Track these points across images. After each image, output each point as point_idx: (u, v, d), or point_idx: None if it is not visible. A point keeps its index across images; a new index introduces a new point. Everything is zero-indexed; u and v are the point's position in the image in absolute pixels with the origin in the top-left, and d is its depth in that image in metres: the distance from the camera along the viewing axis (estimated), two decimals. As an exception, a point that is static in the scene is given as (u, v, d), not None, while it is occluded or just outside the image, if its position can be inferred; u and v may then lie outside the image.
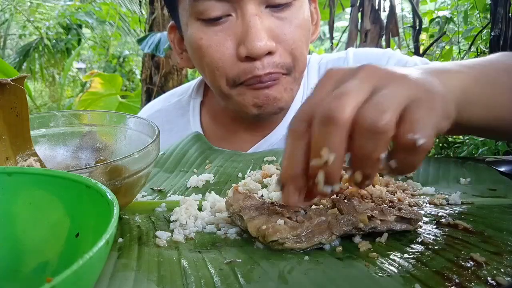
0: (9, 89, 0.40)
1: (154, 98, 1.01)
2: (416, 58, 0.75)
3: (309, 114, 0.33)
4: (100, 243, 0.21)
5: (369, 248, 0.32)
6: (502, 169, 0.50)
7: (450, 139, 2.21)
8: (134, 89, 4.55)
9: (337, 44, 2.65)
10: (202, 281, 0.28)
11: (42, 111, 2.53)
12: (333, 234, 0.33)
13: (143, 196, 0.49)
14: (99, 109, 2.48)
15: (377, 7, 1.96)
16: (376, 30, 1.94)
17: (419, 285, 0.27)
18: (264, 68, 0.62)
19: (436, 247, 0.32)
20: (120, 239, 0.36)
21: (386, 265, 0.29)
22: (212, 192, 0.46)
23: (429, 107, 0.31)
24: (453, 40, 2.43)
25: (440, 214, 0.39)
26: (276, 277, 0.29)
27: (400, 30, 2.13)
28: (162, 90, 2.24)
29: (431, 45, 2.28)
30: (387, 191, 0.41)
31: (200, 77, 0.85)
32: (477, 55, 2.04)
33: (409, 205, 0.40)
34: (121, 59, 5.07)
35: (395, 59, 0.74)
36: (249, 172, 0.55)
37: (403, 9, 2.69)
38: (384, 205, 0.37)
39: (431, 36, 2.49)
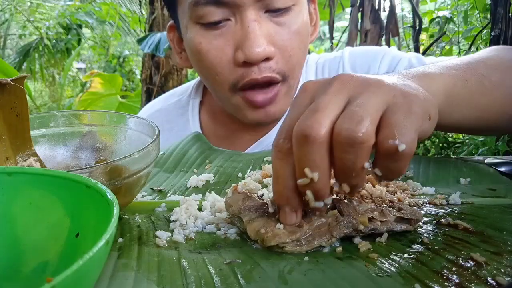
0: (9, 89, 0.40)
1: (154, 98, 1.01)
2: (411, 54, 0.75)
3: (290, 132, 0.32)
4: (100, 243, 0.21)
5: (369, 248, 0.32)
6: (502, 169, 0.50)
7: (450, 139, 2.21)
8: (134, 89, 4.55)
9: (337, 44, 2.65)
10: (202, 281, 0.28)
11: (42, 111, 2.53)
12: (333, 236, 0.33)
13: (143, 196, 0.49)
14: (99, 109, 2.48)
15: (377, 7, 1.96)
16: (376, 30, 1.94)
17: (419, 285, 0.27)
18: (261, 72, 0.62)
19: (436, 247, 0.32)
20: (120, 239, 0.36)
21: (386, 265, 0.29)
22: (212, 192, 0.46)
23: (407, 110, 0.31)
24: (453, 40, 2.43)
25: (440, 214, 0.39)
26: (276, 277, 0.29)
27: (400, 30, 2.13)
28: (162, 90, 2.24)
29: (431, 45, 2.28)
30: (387, 191, 0.41)
31: (199, 77, 0.85)
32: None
33: (409, 205, 0.40)
34: (121, 59, 5.07)
35: (390, 56, 0.74)
36: (249, 172, 0.55)
37: (403, 9, 2.69)
38: (384, 205, 0.37)
39: (431, 36, 2.49)
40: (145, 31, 2.65)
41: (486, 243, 0.32)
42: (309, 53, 0.83)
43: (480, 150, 1.79)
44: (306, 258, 0.31)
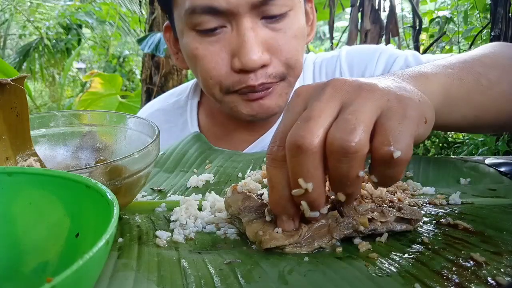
0: (9, 89, 0.40)
1: (154, 98, 1.01)
2: (407, 52, 0.75)
3: (283, 139, 0.32)
4: (100, 243, 0.21)
5: (369, 249, 0.32)
6: (502, 169, 0.50)
7: (450, 139, 2.21)
8: (134, 89, 4.55)
9: (337, 44, 2.65)
10: (202, 281, 0.28)
11: (42, 111, 2.53)
12: (333, 238, 0.33)
13: (143, 196, 0.49)
14: (99, 109, 2.48)
15: (377, 7, 1.96)
16: (376, 30, 1.94)
17: (419, 285, 0.27)
18: (258, 79, 0.62)
19: (436, 247, 0.32)
20: (120, 239, 0.36)
21: (386, 265, 0.29)
22: (212, 192, 0.46)
23: (402, 115, 0.30)
24: (453, 40, 2.43)
25: (440, 214, 0.39)
26: (276, 278, 0.29)
27: (400, 30, 2.13)
28: (162, 90, 2.24)
29: (431, 45, 2.28)
30: (387, 191, 0.41)
31: None
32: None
33: (409, 205, 0.40)
34: (121, 59, 5.07)
35: (386, 55, 0.74)
36: (249, 172, 0.55)
37: (403, 9, 2.69)
38: (384, 205, 0.37)
39: (431, 36, 2.49)
40: (145, 31, 2.65)
41: (486, 243, 0.32)
42: (307, 52, 0.83)
43: (480, 150, 1.79)
44: (306, 259, 0.31)
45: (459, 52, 2.23)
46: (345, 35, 2.19)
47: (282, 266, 0.30)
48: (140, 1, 3.47)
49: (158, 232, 0.37)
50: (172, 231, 0.38)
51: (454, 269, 0.28)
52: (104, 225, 0.23)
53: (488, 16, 1.81)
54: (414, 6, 1.98)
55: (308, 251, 0.33)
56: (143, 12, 3.48)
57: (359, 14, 1.98)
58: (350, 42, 1.99)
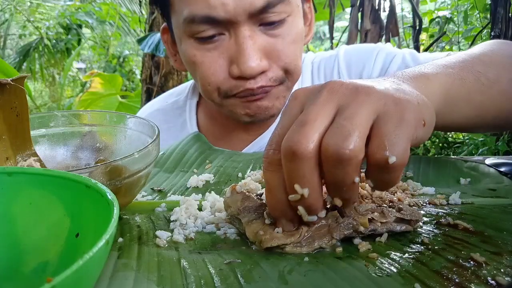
0: (9, 89, 0.40)
1: (154, 98, 1.02)
2: (405, 50, 0.75)
3: (279, 143, 0.31)
4: (100, 243, 0.21)
5: (368, 249, 0.32)
6: (502, 169, 0.50)
7: (450, 139, 2.21)
8: (134, 89, 4.55)
9: (337, 44, 2.65)
10: (202, 281, 0.28)
11: (42, 111, 2.53)
12: (334, 238, 0.33)
13: (143, 196, 0.49)
14: (99, 109, 2.48)
15: (377, 7, 1.96)
16: (376, 30, 1.94)
17: (419, 285, 0.27)
18: (257, 82, 0.63)
19: (436, 247, 0.32)
20: (120, 239, 0.36)
21: (386, 265, 0.29)
22: (212, 192, 0.46)
23: (399, 118, 0.30)
24: (453, 40, 2.44)
25: (440, 214, 0.39)
26: (276, 277, 0.29)
27: (400, 30, 2.13)
28: (162, 90, 2.24)
29: (431, 45, 2.28)
30: (387, 191, 0.41)
31: None
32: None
33: (409, 205, 0.40)
34: (121, 59, 5.07)
35: (384, 53, 0.74)
36: (249, 172, 0.55)
37: (403, 9, 2.69)
38: (384, 205, 0.37)
39: (431, 36, 2.49)
40: (145, 31, 2.65)
41: (486, 243, 0.32)
42: (307, 52, 0.83)
43: (480, 150, 1.80)
44: (306, 259, 0.31)
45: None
46: (345, 35, 2.19)
47: (282, 266, 0.30)
48: (140, 1, 3.47)
49: (158, 232, 0.37)
50: (172, 231, 0.38)
51: (454, 269, 0.28)
52: (104, 225, 0.23)
53: (488, 16, 1.81)
54: (414, 6, 1.98)
55: (308, 251, 0.33)
56: (143, 12, 3.48)
57: (359, 14, 1.98)
58: (350, 42, 1.99)
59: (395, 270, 0.29)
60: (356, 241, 0.34)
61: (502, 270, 0.28)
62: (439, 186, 0.47)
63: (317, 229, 0.33)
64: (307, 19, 0.73)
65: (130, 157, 0.38)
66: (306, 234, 0.33)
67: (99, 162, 0.45)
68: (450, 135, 2.19)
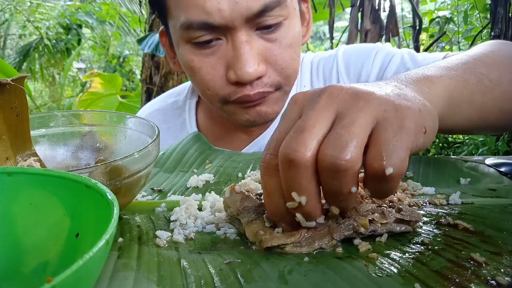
0: (9, 89, 0.40)
1: (154, 98, 1.02)
2: (403, 50, 0.75)
3: (277, 148, 0.31)
4: (100, 243, 0.21)
5: (368, 249, 0.32)
6: (502, 169, 0.50)
7: (450, 139, 2.21)
8: (134, 89, 4.55)
9: (337, 44, 2.65)
10: (202, 281, 0.28)
11: (42, 111, 2.53)
12: (334, 239, 0.33)
13: (143, 196, 0.49)
14: (99, 109, 2.48)
15: (377, 7, 1.96)
16: (376, 30, 1.94)
17: (419, 285, 0.27)
18: (254, 88, 0.63)
19: (436, 247, 0.32)
20: (120, 239, 0.36)
21: (386, 265, 0.29)
22: (212, 192, 0.46)
23: (398, 126, 0.29)
24: (453, 40, 2.44)
25: (440, 214, 0.39)
26: (276, 277, 0.29)
27: (400, 30, 2.13)
28: (162, 90, 2.24)
29: (431, 45, 2.28)
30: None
31: None
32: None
33: (409, 205, 0.40)
34: (121, 59, 5.07)
35: (383, 53, 0.74)
36: (249, 172, 0.55)
37: (403, 9, 2.69)
38: (384, 205, 0.37)
39: (431, 36, 2.49)
40: (145, 31, 2.65)
41: (486, 243, 0.32)
42: (306, 52, 0.83)
43: (480, 150, 1.80)
44: (306, 259, 0.31)
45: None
46: (345, 35, 2.19)
47: (282, 266, 0.30)
48: (140, 1, 3.47)
49: (158, 232, 0.37)
50: (172, 231, 0.38)
51: (454, 269, 0.28)
52: (104, 225, 0.23)
53: (488, 16, 1.82)
54: (414, 6, 1.98)
55: (308, 251, 0.33)
56: (143, 12, 3.48)
57: (359, 14, 1.98)
58: (350, 42, 1.99)
59: (395, 270, 0.29)
60: (356, 241, 0.34)
61: (502, 270, 0.28)
62: (439, 186, 0.47)
63: (317, 230, 0.33)
64: (304, 19, 0.73)
65: (130, 157, 0.38)
66: (306, 234, 0.33)
67: (99, 162, 0.45)
68: (450, 135, 2.19)
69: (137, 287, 0.28)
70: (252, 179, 0.50)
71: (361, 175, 0.33)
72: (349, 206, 0.32)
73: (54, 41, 5.12)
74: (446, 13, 2.36)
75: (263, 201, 0.37)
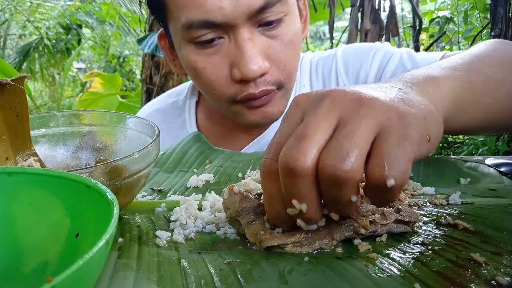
0: (9, 89, 0.40)
1: (154, 98, 1.02)
2: (402, 49, 0.75)
3: (277, 152, 0.31)
4: (100, 243, 0.21)
5: (368, 249, 0.33)
6: (502, 169, 0.50)
7: (450, 139, 2.21)
8: (134, 89, 4.55)
9: (337, 44, 2.65)
10: (202, 281, 0.28)
11: (42, 111, 2.53)
12: (334, 239, 0.33)
13: (143, 196, 0.49)
14: (99, 109, 2.48)
15: (377, 7, 1.96)
16: (376, 30, 1.94)
17: (419, 285, 0.27)
18: (258, 86, 0.63)
19: (436, 247, 0.32)
20: (120, 239, 0.36)
21: (386, 265, 0.29)
22: (212, 192, 0.46)
23: (401, 136, 0.28)
24: (453, 40, 2.44)
25: (440, 214, 0.39)
26: (276, 277, 0.29)
27: (400, 30, 2.14)
28: (162, 90, 2.24)
29: (431, 45, 2.28)
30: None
31: None
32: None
33: (409, 205, 0.40)
34: (121, 59, 5.07)
35: (381, 52, 0.75)
36: (249, 172, 0.55)
37: (403, 9, 2.69)
38: (384, 205, 0.37)
39: (431, 36, 2.49)
40: (145, 31, 2.65)
41: (486, 243, 0.32)
42: (305, 51, 0.83)
43: (480, 150, 1.80)
44: (306, 259, 0.31)
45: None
46: (345, 35, 2.19)
47: (282, 266, 0.30)
48: (140, 1, 3.47)
49: (158, 232, 0.37)
50: (172, 231, 0.38)
51: (454, 269, 0.28)
52: (104, 225, 0.23)
53: (488, 16, 1.82)
54: (414, 6, 1.98)
55: (308, 251, 0.33)
56: (143, 12, 3.48)
57: (359, 14, 1.98)
58: (350, 42, 1.99)
59: (395, 270, 0.29)
60: (356, 241, 0.34)
61: (502, 270, 0.28)
62: (439, 186, 0.47)
63: (318, 230, 0.33)
64: (302, 15, 0.73)
65: (130, 157, 0.38)
66: (306, 235, 0.33)
67: (99, 162, 0.45)
68: (450, 135, 2.19)
69: (137, 287, 0.28)
70: (252, 179, 0.50)
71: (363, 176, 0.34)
72: (348, 214, 0.32)
73: (54, 41, 5.12)
74: (446, 13, 2.36)
75: (262, 201, 0.37)
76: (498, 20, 1.53)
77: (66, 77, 4.12)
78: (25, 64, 4.93)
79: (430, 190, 0.45)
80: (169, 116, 0.85)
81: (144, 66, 2.47)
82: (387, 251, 0.32)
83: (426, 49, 2.21)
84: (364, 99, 0.30)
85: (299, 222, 0.31)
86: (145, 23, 2.77)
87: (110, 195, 0.26)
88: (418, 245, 0.33)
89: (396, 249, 0.32)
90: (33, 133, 0.45)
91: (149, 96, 2.36)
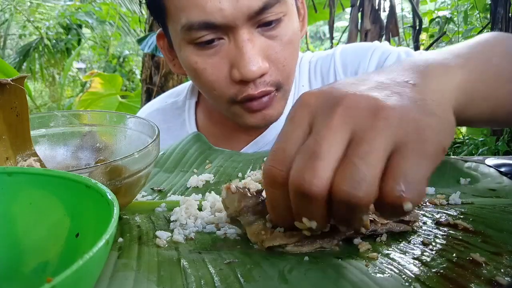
0: (9, 89, 0.40)
1: (154, 98, 1.02)
2: (401, 48, 0.75)
3: (283, 160, 0.29)
4: (100, 243, 0.21)
5: (368, 248, 0.33)
6: (502, 169, 0.50)
7: (450, 139, 2.21)
8: (134, 89, 4.55)
9: (337, 44, 2.65)
10: (202, 281, 0.28)
11: (42, 111, 2.53)
12: (334, 238, 0.33)
13: (143, 196, 0.49)
14: (99, 109, 2.48)
15: (377, 7, 1.96)
16: (376, 30, 1.95)
17: (419, 285, 0.27)
18: (257, 87, 0.63)
19: (436, 247, 0.32)
20: (120, 239, 0.36)
21: (386, 265, 0.29)
22: (212, 192, 0.46)
23: (420, 154, 0.27)
24: (453, 40, 2.44)
25: (440, 214, 0.39)
26: (276, 277, 0.29)
27: (400, 30, 2.14)
28: (162, 90, 2.24)
29: (431, 45, 2.28)
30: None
31: None
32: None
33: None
34: (121, 59, 5.08)
35: (379, 51, 0.75)
36: (249, 172, 0.55)
37: (403, 9, 2.69)
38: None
39: (431, 36, 2.49)
40: (145, 31, 2.65)
41: (486, 243, 0.32)
42: (306, 51, 0.83)
43: (480, 150, 1.80)
44: (306, 258, 0.31)
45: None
46: (345, 35, 2.19)
47: (282, 265, 0.30)
48: (140, 1, 3.47)
49: (158, 232, 0.37)
50: (172, 231, 0.38)
51: (454, 269, 0.28)
52: (104, 225, 0.23)
53: (488, 16, 1.82)
54: (414, 6, 1.98)
55: (309, 250, 0.33)
56: (143, 12, 3.48)
57: (359, 14, 1.98)
58: (350, 42, 2.00)
59: (395, 270, 0.29)
60: (356, 241, 0.34)
61: (502, 270, 0.28)
62: (439, 186, 0.47)
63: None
64: (300, 14, 0.73)
65: (130, 157, 0.38)
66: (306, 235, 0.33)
67: (99, 162, 0.45)
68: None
69: (137, 287, 0.28)
70: (252, 179, 0.50)
71: None
72: (357, 229, 0.32)
73: (54, 41, 5.12)
74: (446, 13, 2.36)
75: (261, 198, 0.37)
76: (498, 20, 1.54)
77: (66, 77, 4.12)
78: (25, 64, 4.93)
79: (430, 190, 0.45)
80: (169, 116, 0.85)
81: (144, 66, 2.47)
82: (387, 251, 0.32)
83: (426, 49, 2.21)
84: (380, 108, 0.29)
85: (305, 232, 0.31)
86: (145, 23, 2.77)
87: (110, 195, 0.26)
88: (418, 245, 0.33)
89: (396, 249, 0.32)
90: (33, 133, 0.45)
91: (149, 96, 2.37)
